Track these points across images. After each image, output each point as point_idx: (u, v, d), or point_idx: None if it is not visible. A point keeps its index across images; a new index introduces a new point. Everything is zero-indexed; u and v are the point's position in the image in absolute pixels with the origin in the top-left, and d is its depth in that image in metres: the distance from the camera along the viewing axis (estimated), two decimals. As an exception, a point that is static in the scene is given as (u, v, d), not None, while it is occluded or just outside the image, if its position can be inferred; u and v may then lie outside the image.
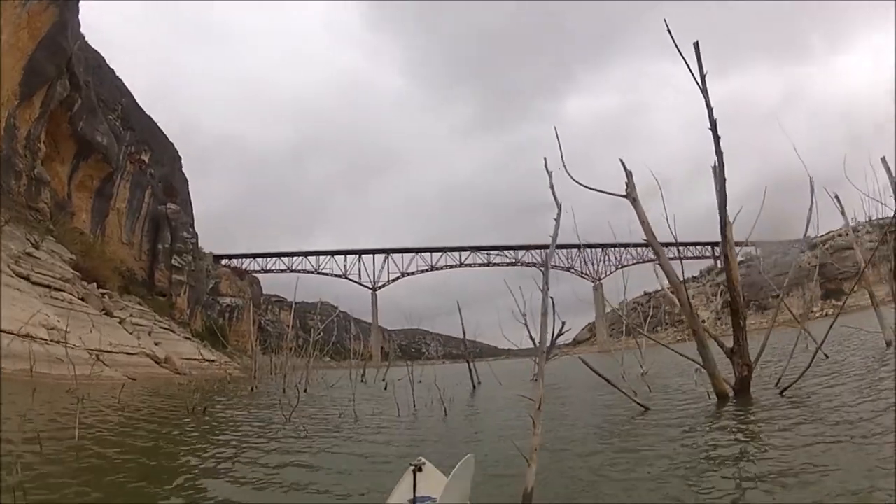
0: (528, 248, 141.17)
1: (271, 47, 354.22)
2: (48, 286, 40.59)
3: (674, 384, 19.44)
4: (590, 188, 13.54)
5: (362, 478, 7.83)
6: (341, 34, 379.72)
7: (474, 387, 24.92)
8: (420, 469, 5.77)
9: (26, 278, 38.43)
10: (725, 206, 13.79)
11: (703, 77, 13.01)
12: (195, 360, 56.82)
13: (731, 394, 13.59)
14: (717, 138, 13.28)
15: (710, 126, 13.13)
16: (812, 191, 15.88)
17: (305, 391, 26.53)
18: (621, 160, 13.26)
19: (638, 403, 13.10)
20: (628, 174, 13.65)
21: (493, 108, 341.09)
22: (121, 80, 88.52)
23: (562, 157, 12.07)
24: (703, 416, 11.74)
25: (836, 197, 20.87)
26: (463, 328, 26.18)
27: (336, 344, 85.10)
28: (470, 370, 25.49)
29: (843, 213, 21.39)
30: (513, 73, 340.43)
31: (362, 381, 35.24)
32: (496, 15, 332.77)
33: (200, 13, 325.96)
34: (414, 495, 5.54)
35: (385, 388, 26.12)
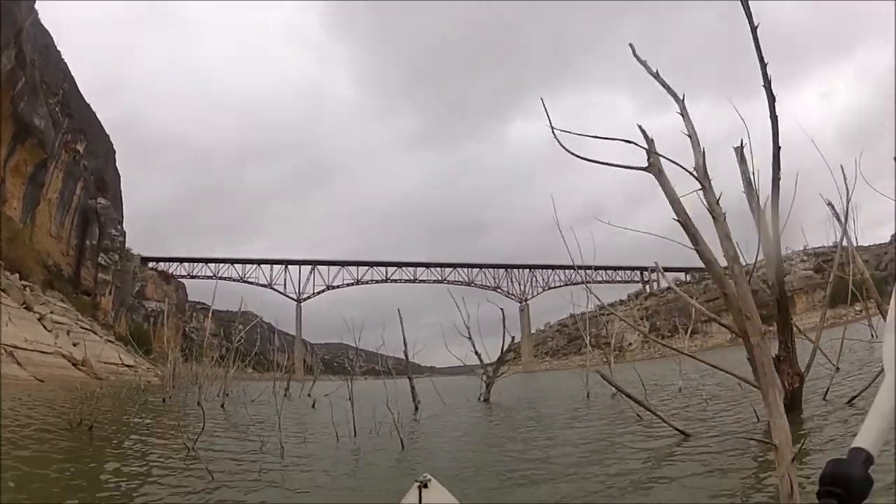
0: (454, 266, 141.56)
1: (227, 44, 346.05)
2: None
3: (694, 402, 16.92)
4: (598, 162, 11.74)
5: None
6: (299, 38, 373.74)
7: (416, 407, 22.14)
8: (426, 486, 5.51)
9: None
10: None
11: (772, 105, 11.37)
12: (114, 364, 52.43)
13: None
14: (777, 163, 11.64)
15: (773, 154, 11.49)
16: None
17: (223, 406, 23.68)
18: (640, 127, 11.55)
19: (677, 430, 10.93)
20: (650, 142, 11.72)
21: (440, 125, 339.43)
22: (65, 64, 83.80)
23: (552, 129, 10.44)
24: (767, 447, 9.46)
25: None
26: (405, 341, 24.22)
27: (259, 355, 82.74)
28: (412, 388, 23.56)
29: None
30: (463, 92, 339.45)
31: (286, 395, 32.27)
32: (453, 32, 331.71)
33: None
34: None
35: (313, 406, 23.84)
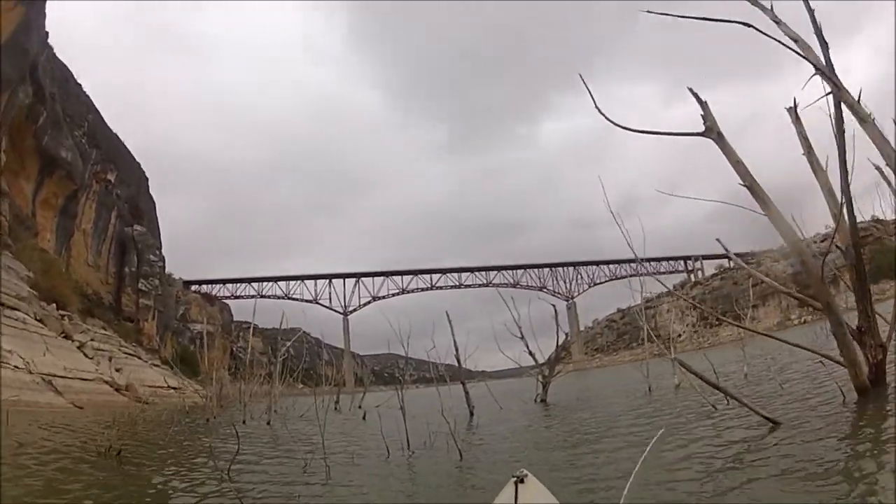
0: (499, 268, 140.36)
1: (245, 63, 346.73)
2: (1, 304, 36.33)
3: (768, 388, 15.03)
4: (648, 132, 10.25)
5: None
6: (319, 52, 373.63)
7: (471, 412, 20.48)
8: (522, 481, 5.42)
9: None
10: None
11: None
12: (160, 387, 52.53)
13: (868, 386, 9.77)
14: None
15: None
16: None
17: (269, 424, 22.41)
18: (692, 90, 10.03)
19: (766, 417, 9.43)
20: (704, 105, 10.15)
21: (469, 130, 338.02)
22: (88, 97, 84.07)
23: (594, 103, 9.14)
24: (870, 426, 8.03)
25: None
26: (456, 345, 22.75)
27: (309, 370, 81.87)
28: (466, 393, 22.02)
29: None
30: (489, 96, 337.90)
31: (336, 408, 30.83)
32: (475, 38, 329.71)
33: (176, 24, 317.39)
34: None
35: (364, 418, 22.75)
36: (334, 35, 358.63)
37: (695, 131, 10.22)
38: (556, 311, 26.63)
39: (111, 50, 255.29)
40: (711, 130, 10.12)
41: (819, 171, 10.36)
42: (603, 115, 9.75)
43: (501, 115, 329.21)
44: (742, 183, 9.94)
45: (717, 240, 11.79)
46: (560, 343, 26.60)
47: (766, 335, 15.79)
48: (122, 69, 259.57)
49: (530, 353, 25.69)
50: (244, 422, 23.15)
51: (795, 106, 10.56)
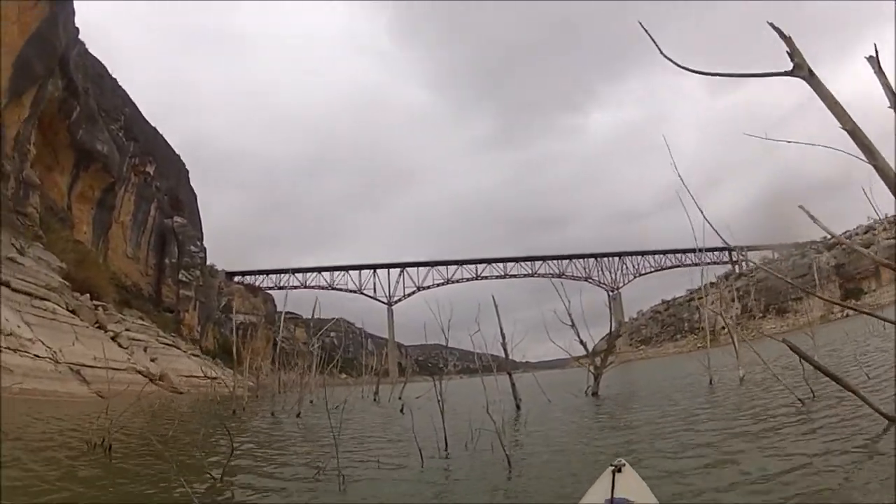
0: (544, 258, 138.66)
1: (287, 57, 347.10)
2: (29, 294, 36.24)
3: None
4: (725, 75, 8.36)
5: None
6: (363, 46, 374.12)
7: (518, 407, 18.66)
8: (619, 470, 5.29)
9: (6, 284, 34.26)
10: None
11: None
12: (196, 377, 51.51)
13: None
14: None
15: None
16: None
17: (299, 416, 20.59)
18: (773, 25, 8.14)
19: (882, 413, 7.82)
20: (789, 41, 8.20)
21: (514, 123, 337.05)
22: (124, 91, 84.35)
23: (655, 44, 7.38)
24: None
25: None
26: (502, 332, 20.75)
27: (352, 360, 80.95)
28: (512, 385, 20.04)
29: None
30: (536, 88, 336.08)
31: (375, 400, 29.75)
32: (517, 28, 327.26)
33: (217, 19, 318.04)
34: (612, 496, 4.96)
35: (402, 411, 20.49)
36: (380, 30, 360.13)
37: (781, 71, 8.25)
38: (609, 296, 24.80)
39: (150, 49, 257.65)
40: (801, 68, 8.08)
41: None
42: (668, 58, 7.90)
43: (547, 107, 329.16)
44: (843, 127, 7.97)
45: (800, 206, 9.76)
46: (613, 331, 24.72)
47: (868, 313, 13.99)
48: (163, 68, 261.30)
49: (581, 341, 23.76)
50: (272, 413, 21.57)
51: (877, 53, 8.53)
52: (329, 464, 8.25)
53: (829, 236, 12.05)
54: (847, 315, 75.49)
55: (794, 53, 8.03)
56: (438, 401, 11.18)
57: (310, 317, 67.07)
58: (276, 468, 9.42)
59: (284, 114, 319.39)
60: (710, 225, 10.30)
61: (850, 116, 8.10)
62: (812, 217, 10.43)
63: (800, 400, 11.00)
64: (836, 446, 7.10)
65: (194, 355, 63.98)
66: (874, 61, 8.73)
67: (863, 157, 7.31)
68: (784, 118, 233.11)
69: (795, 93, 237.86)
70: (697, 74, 8.22)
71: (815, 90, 8.38)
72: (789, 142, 7.36)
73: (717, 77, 7.00)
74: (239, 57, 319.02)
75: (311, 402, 24.67)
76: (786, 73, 8.26)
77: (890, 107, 8.72)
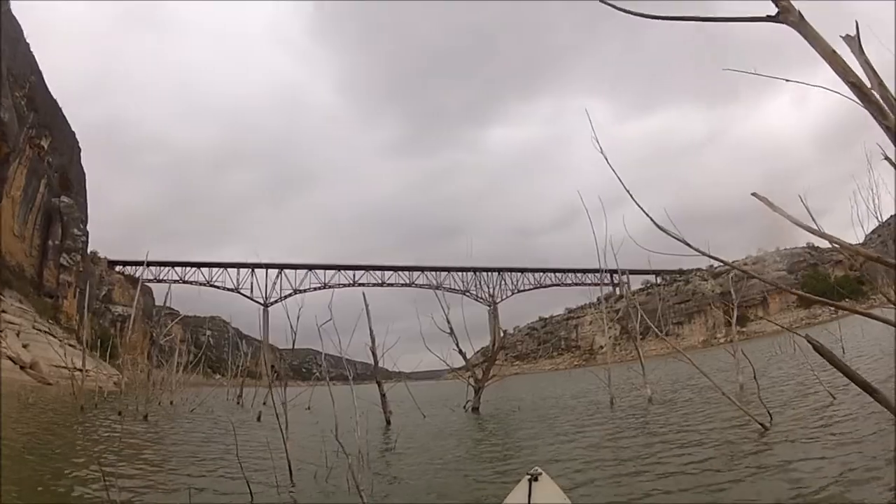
0: (422, 269, 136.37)
1: (211, 45, 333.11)
2: None
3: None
4: (678, 18, 6.44)
5: None
6: (283, 41, 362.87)
7: (388, 422, 16.78)
8: (536, 479, 5.21)
9: None
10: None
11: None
12: (69, 368, 48.03)
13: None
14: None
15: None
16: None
17: (146, 418, 18.17)
18: None
19: None
20: None
21: (420, 132, 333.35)
22: (33, 56, 77.06)
23: None
24: None
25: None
26: (372, 336, 18.51)
27: (228, 361, 78.49)
28: (382, 396, 17.68)
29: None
30: (443, 99, 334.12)
31: (239, 403, 27.96)
32: (435, 41, 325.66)
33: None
34: None
35: (259, 419, 18.75)
36: (301, 26, 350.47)
37: (763, 16, 6.24)
38: (489, 311, 23.33)
39: (80, 21, 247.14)
40: (789, 12, 6.04)
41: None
42: (610, 4, 5.92)
43: (455, 118, 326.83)
44: (849, 80, 6.06)
45: (753, 194, 7.80)
46: (498, 342, 23.22)
47: (868, 314, 12.67)
48: (88, 42, 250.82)
49: (460, 350, 22.29)
50: (120, 413, 19.12)
51: (858, 31, 6.70)
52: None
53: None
54: (730, 340, 77.46)
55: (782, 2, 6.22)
56: (306, 408, 8.98)
57: (188, 313, 64.04)
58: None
59: (202, 103, 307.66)
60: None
61: (852, 69, 6.20)
62: (771, 205, 8.72)
63: (760, 424, 9.34)
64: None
65: (70, 345, 58.80)
66: (854, 41, 6.94)
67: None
68: (693, 146, 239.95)
69: (709, 124, 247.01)
70: (657, 20, 6.18)
71: (807, 40, 6.45)
72: (803, 83, 5.57)
73: (682, 21, 5.08)
74: (167, 41, 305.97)
75: (171, 402, 22.19)
76: (769, 19, 6.28)
77: (871, 88, 7.13)
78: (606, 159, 6.20)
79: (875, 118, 6.08)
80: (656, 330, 19.99)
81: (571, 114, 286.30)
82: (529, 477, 5.18)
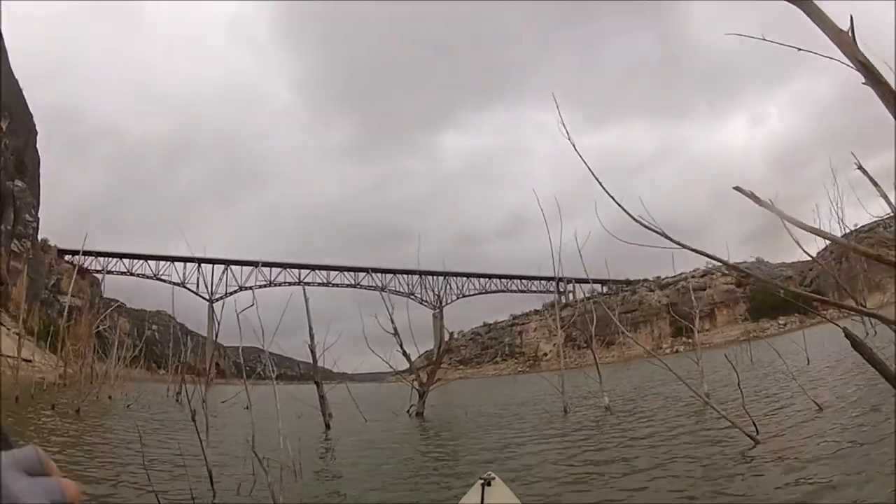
0: (368, 270, 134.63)
1: (172, 36, 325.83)
2: None
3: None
4: None
5: None
6: (243, 37, 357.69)
7: (327, 426, 15.95)
8: (489, 483, 5.04)
9: None
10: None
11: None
12: (11, 357, 46.35)
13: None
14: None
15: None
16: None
17: (78, 412, 17.62)
18: None
19: None
20: None
21: (373, 136, 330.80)
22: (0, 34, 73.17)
23: None
24: None
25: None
26: (311, 333, 17.74)
27: (172, 356, 76.45)
28: (321, 398, 16.83)
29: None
30: (398, 104, 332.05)
31: (177, 401, 26.72)
32: (392, 47, 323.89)
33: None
34: None
35: (193, 419, 17.65)
36: (262, 23, 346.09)
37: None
38: (434, 315, 22.89)
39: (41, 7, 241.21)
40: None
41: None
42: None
43: (408, 124, 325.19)
44: (858, 59, 5.55)
45: (736, 188, 7.16)
46: (443, 345, 22.95)
47: (872, 314, 12.18)
48: (48, 27, 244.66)
49: (404, 352, 21.87)
50: (53, 407, 18.20)
51: (852, 26, 6.22)
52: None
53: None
54: (677, 351, 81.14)
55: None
56: (245, 407, 8.26)
57: (133, 307, 62.44)
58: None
59: (159, 94, 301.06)
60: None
61: (860, 49, 5.68)
62: (757, 199, 8.31)
63: (750, 437, 8.62)
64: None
65: (17, 334, 57.03)
66: (847, 34, 6.51)
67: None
68: (642, 165, 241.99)
69: (657, 143, 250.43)
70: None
71: (812, 19, 5.90)
72: (796, 48, 5.16)
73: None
74: (122, 27, 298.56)
75: (109, 397, 21.17)
76: (772, -9, 5.83)
77: (864, 83, 6.66)
78: (574, 146, 5.74)
79: (882, 99, 5.56)
80: (622, 333, 19.54)
81: (526, 126, 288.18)
82: (482, 481, 5.02)
